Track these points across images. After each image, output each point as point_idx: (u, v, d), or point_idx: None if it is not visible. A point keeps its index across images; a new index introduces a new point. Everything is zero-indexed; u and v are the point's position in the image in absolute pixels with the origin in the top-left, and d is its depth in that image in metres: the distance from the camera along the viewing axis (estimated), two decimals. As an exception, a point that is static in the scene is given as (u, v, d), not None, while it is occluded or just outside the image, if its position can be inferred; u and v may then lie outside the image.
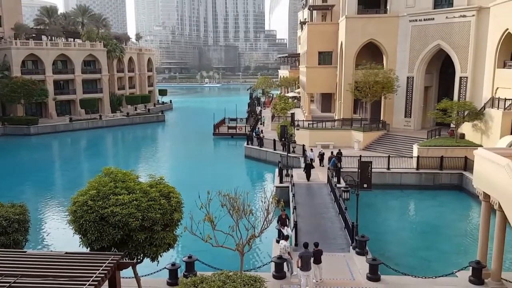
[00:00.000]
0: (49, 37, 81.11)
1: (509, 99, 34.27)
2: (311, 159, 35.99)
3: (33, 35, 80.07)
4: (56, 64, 74.89)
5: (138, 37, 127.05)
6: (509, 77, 35.60)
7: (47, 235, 27.16)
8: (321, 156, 37.49)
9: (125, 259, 13.17)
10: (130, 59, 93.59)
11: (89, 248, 13.89)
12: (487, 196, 16.43)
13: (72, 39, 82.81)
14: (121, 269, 10.67)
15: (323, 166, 36.46)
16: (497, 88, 37.68)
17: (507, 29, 35.58)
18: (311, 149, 37.82)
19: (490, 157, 15.85)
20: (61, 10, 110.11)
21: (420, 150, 36.41)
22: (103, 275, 9.18)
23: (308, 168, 33.03)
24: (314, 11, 67.16)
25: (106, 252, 11.87)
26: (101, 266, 9.57)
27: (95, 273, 9.19)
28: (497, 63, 37.74)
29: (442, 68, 48.41)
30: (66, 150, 60.67)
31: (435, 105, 42.15)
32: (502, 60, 37.51)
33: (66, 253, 10.54)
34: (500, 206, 15.33)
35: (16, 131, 64.68)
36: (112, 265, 9.81)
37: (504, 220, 15.58)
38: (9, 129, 65.13)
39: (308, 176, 32.85)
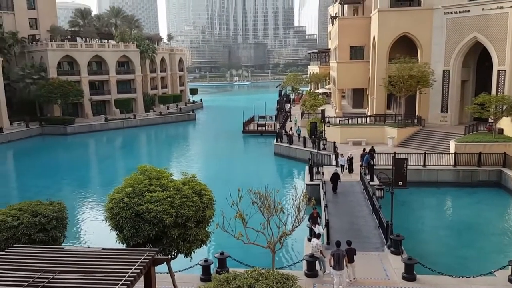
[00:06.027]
0: (84, 38, 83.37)
1: (552, 92, 32.76)
2: (342, 166, 33.69)
3: (68, 37, 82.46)
4: (91, 65, 76.96)
5: (170, 38, 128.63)
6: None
7: (84, 232, 27.97)
8: (350, 161, 33.72)
9: (160, 255, 13.34)
10: (162, 59, 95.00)
11: (125, 244, 14.17)
12: (530, 194, 15.74)
13: (106, 41, 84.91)
14: (156, 265, 10.79)
15: (352, 172, 33.43)
16: (539, 80, 36.05)
17: (550, 18, 33.98)
18: (341, 154, 34.79)
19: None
20: (94, 12, 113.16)
21: (458, 146, 35.28)
22: (138, 270, 9.31)
23: (335, 179, 28.99)
24: (345, 5, 66.16)
25: (142, 248, 12.05)
26: (137, 262, 9.70)
27: (131, 269, 9.32)
28: (538, 54, 36.13)
29: (479, 61, 46.74)
30: (102, 149, 62.33)
31: (473, 99, 40.81)
32: (544, 51, 35.89)
33: (103, 249, 10.77)
34: (544, 204, 14.65)
35: (53, 130, 66.91)
36: (147, 261, 9.93)
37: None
38: (46, 129, 67.42)
39: (334, 188, 28.89)
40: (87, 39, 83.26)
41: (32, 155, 54.93)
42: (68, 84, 67.94)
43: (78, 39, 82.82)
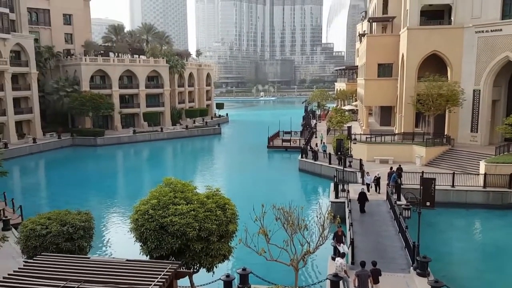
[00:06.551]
0: (116, 53, 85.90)
1: None
2: (368, 184, 32.75)
3: (101, 52, 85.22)
4: (122, 79, 78.99)
5: (198, 53, 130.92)
6: None
7: (109, 242, 28.36)
8: (377, 180, 32.74)
9: (182, 268, 13.43)
10: (190, 74, 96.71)
11: (148, 256, 14.29)
12: None
13: (137, 56, 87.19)
14: (178, 278, 10.87)
15: (379, 192, 32.37)
16: None
17: None
18: (367, 173, 33.90)
19: None
20: (127, 28, 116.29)
21: (488, 167, 34.29)
22: (161, 283, 9.41)
23: (362, 198, 28.33)
24: (373, 23, 66.03)
25: (165, 261, 12.18)
26: (160, 274, 9.81)
27: (153, 281, 9.43)
28: None
29: (511, 80, 45.61)
30: (129, 161, 63.50)
31: (504, 119, 39.72)
32: None
33: (127, 260, 10.94)
34: None
35: (84, 142, 68.69)
36: (170, 273, 10.03)
37: None
38: (77, 140, 69.24)
39: (362, 208, 28.28)
40: (119, 54, 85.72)
41: (62, 165, 56.44)
42: (100, 97, 69.89)
43: (111, 54, 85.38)
